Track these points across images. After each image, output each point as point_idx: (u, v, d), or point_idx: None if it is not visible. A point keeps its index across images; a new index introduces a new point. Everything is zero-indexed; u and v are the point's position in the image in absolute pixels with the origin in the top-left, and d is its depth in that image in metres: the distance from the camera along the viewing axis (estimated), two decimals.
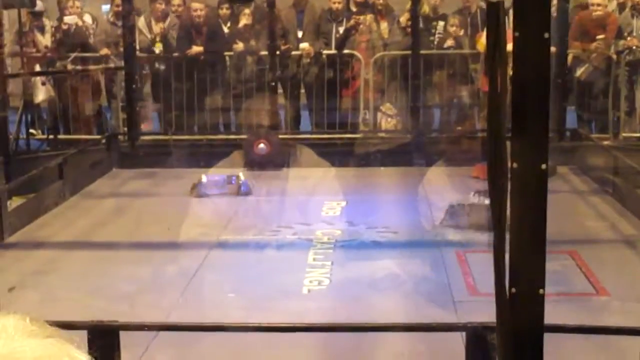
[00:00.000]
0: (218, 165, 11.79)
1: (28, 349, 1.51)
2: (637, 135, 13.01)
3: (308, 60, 13.49)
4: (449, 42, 13.18)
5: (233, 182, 10.71)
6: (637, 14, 13.07)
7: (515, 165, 3.55)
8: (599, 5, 12.92)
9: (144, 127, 13.56)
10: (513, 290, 3.66)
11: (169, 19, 13.71)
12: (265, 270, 8.08)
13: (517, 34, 3.52)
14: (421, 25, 13.28)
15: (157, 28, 13.63)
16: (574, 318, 6.11)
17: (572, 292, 7.32)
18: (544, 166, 3.57)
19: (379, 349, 6.22)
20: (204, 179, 10.70)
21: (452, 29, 13.26)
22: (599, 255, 8.40)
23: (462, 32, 13.26)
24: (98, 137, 13.34)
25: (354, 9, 13.60)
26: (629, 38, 12.98)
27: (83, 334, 4.94)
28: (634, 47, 12.95)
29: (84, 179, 11.57)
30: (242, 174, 10.95)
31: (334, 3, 13.40)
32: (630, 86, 13.21)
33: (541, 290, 3.65)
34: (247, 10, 13.41)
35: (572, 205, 10.29)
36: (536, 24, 3.47)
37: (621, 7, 13.37)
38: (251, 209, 10.24)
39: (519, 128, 3.58)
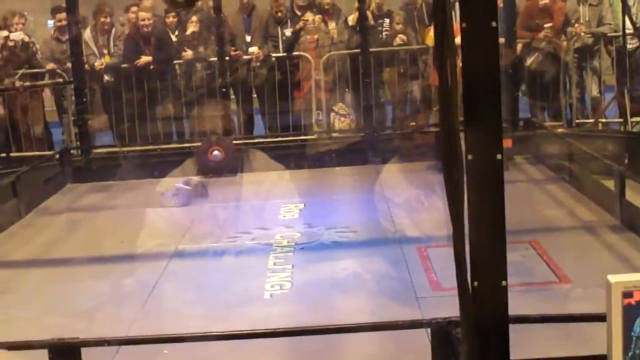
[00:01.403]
0: (171, 175, 11.70)
1: None
2: (590, 121, 13.07)
3: (258, 64, 13.42)
4: (398, 40, 13.17)
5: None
6: (583, 0, 13.14)
7: (470, 157, 3.51)
8: None
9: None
10: (475, 283, 3.62)
11: (114, 30, 13.60)
12: (226, 277, 8.01)
13: (464, 24, 3.48)
14: (369, 22, 13.27)
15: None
16: (538, 307, 6.10)
17: (535, 281, 7.32)
18: (499, 156, 3.53)
19: (345, 350, 6.17)
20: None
21: (397, 27, 13.26)
22: (559, 243, 8.42)
23: (407, 28, 13.27)
24: (50, 153, 13.18)
25: (297, 12, 13.56)
26: (576, 25, 13.04)
27: (44, 353, 4.87)
28: (582, 34, 13.01)
29: (39, 195, 11.42)
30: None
31: (277, 12, 13.42)
32: (580, 73, 13.28)
33: (504, 283, 3.61)
34: (194, 18, 13.32)
35: (529, 194, 10.33)
36: (483, 13, 3.43)
37: None
38: (208, 217, 10.16)
39: (471, 119, 3.53)
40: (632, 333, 2.43)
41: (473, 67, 3.50)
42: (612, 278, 2.45)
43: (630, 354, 2.45)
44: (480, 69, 3.49)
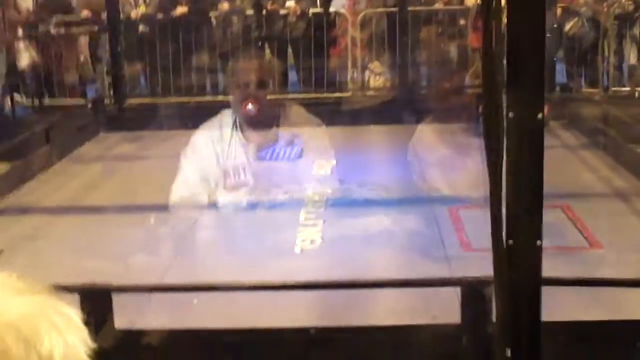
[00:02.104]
0: (206, 126, 11.70)
1: (13, 306, 1.46)
2: (627, 89, 12.97)
3: (294, 19, 13.39)
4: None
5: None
6: None
7: (511, 115, 3.50)
8: None
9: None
10: (510, 242, 3.62)
11: None
12: (257, 230, 8.03)
13: None
14: None
15: None
16: (569, 271, 6.09)
17: (566, 245, 7.30)
18: (540, 115, 3.52)
19: (374, 305, 6.19)
20: None
21: None
22: (591, 209, 8.38)
23: None
24: (83, 100, 13.25)
25: None
26: None
27: (75, 297, 4.91)
28: (623, 0, 12.89)
29: (71, 143, 11.47)
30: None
31: None
32: (620, 40, 13.17)
33: (539, 242, 3.61)
34: None
35: (563, 159, 10.26)
36: None
37: None
38: (241, 170, 10.16)
39: (514, 78, 3.52)
40: None
41: (518, 24, 3.48)
42: None
43: None
44: (525, 26, 3.48)
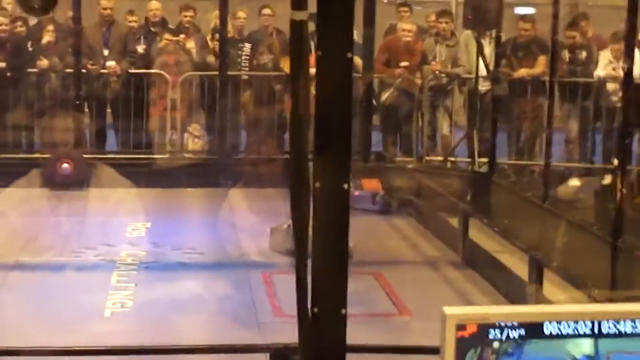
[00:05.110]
0: (15, 185, 11.37)
1: None
2: (439, 158, 13.32)
3: (114, 78, 13.27)
4: (262, 59, 13.22)
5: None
6: (440, 40, 13.42)
7: (317, 184, 3.54)
8: (409, 31, 13.18)
9: None
10: (315, 310, 3.64)
11: None
12: (66, 292, 7.86)
13: (319, 53, 3.51)
14: (229, 45, 13.26)
15: None
16: (377, 338, 6.17)
17: (375, 312, 7.42)
18: (345, 186, 3.56)
19: None
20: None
21: (259, 52, 13.32)
22: (401, 276, 8.56)
23: (267, 54, 13.33)
24: None
25: (152, 28, 13.48)
26: (432, 63, 13.32)
27: None
28: (437, 73, 13.29)
29: None
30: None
31: (130, 22, 13.38)
32: (433, 111, 13.55)
33: (343, 310, 3.64)
34: (50, 27, 13.06)
35: (376, 227, 10.45)
36: (339, 43, 3.47)
37: (424, 33, 13.75)
38: (52, 230, 9.95)
39: (321, 147, 3.56)
40: None
41: (326, 94, 3.53)
42: (448, 310, 2.50)
43: None
44: (332, 97, 3.53)
